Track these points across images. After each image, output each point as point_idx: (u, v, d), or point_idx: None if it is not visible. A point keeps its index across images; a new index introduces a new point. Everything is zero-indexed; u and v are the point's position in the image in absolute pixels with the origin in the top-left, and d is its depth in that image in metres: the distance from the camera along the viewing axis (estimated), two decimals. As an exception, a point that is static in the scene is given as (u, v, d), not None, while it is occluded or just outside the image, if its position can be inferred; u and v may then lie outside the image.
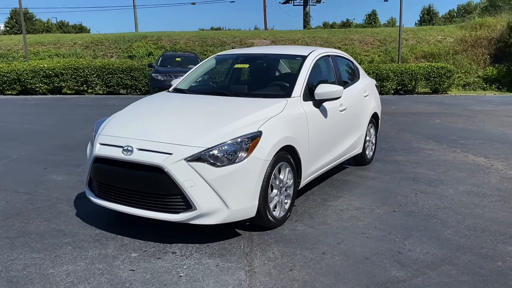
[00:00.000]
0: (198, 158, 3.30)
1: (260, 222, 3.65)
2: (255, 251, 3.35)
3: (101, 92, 18.30)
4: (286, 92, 4.26)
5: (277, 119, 3.76)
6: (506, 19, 29.42)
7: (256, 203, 3.47)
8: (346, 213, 4.18)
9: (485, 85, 24.48)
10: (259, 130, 3.53)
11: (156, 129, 3.61)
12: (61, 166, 5.91)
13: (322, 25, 49.67)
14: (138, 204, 3.45)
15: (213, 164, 3.30)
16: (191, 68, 14.71)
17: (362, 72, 6.09)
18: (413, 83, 19.49)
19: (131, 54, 26.09)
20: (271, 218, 3.67)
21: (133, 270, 3.05)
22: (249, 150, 3.40)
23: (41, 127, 9.33)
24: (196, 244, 3.48)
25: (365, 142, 5.79)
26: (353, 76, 5.76)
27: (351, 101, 5.18)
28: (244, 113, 3.76)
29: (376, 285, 2.87)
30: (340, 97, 4.39)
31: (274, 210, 3.74)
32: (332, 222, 3.95)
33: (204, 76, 5.18)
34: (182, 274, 3.00)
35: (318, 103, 4.39)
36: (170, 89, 4.92)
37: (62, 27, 55.50)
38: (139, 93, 18.53)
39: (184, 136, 3.45)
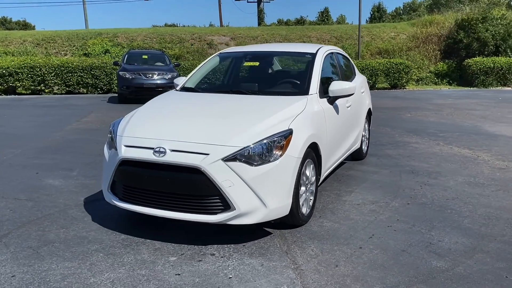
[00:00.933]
0: (234, 157, 3.26)
1: (291, 220, 3.66)
2: (293, 249, 3.37)
3: (59, 91, 17.53)
4: (303, 89, 4.28)
5: (302, 117, 3.79)
6: (453, 17, 30.84)
7: (290, 201, 3.49)
8: (364, 208, 4.28)
9: (437, 80, 25.55)
10: (289, 128, 3.54)
11: (186, 129, 3.54)
12: (53, 170, 5.64)
13: (277, 22, 50.04)
14: (172, 207, 3.37)
15: (250, 163, 3.28)
16: (159, 65, 14.66)
17: (356, 68, 6.22)
18: (374, 78, 20.12)
19: (87, 51, 25.15)
20: (301, 215, 3.70)
21: (179, 275, 2.98)
22: (283, 148, 3.41)
23: (13, 129, 8.84)
24: (231, 245, 3.44)
25: (362, 137, 5.93)
26: (351, 73, 5.87)
27: (353, 97, 5.27)
28: (271, 111, 3.75)
29: (423, 276, 2.96)
30: (353, 93, 4.47)
31: (302, 207, 3.76)
32: (355, 217, 4.03)
33: (210, 75, 5.11)
34: (231, 276, 2.96)
35: (332, 100, 4.45)
36: (177, 88, 4.82)
37: (5, 23, 52.75)
38: (100, 92, 17.96)
39: (218, 135, 3.40)
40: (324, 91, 4.42)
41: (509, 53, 26.43)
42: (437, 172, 5.58)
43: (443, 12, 38.04)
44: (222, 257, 3.25)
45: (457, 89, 20.98)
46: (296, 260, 3.19)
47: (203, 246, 3.42)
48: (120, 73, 13.53)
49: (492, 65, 21.43)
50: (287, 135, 3.47)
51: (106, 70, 17.74)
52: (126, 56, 14.92)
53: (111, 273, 2.99)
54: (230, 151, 3.27)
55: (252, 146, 3.31)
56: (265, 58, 5.06)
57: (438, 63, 27.34)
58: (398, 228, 3.78)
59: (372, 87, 20.35)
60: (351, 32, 31.85)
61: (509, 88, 21.45)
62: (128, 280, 2.90)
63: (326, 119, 4.24)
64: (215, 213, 3.30)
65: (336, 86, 4.35)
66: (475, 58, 22.54)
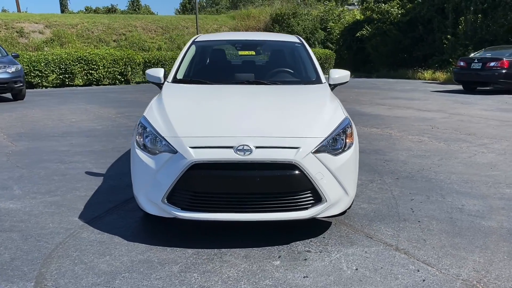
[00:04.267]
0: (320, 149, 3.18)
1: (349, 207, 3.71)
2: (371, 233, 3.45)
3: None
4: (315, 78, 4.33)
5: (340, 105, 3.86)
6: (268, 11, 33.56)
7: (356, 187, 3.56)
8: (371, 186, 4.58)
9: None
10: (346, 116, 3.59)
11: (259, 123, 3.26)
12: (-18, 191, 4.41)
13: (85, 10, 46.47)
14: (261, 208, 3.09)
15: (332, 153, 3.24)
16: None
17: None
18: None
19: None
20: None
21: (307, 277, 2.80)
22: (351, 136, 3.45)
23: None
24: (312, 239, 3.35)
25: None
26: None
27: None
28: (319, 100, 3.75)
29: (493, 234, 3.41)
30: (348, 81, 4.69)
31: (346, 193, 3.85)
32: (375, 196, 4.31)
33: (201, 65, 4.67)
34: (355, 267, 2.92)
35: (332, 88, 4.60)
36: (169, 81, 4.29)
37: None
38: None
39: (297, 128, 3.25)
40: None
41: (317, 45, 30.26)
42: (379, 149, 6.26)
43: (245, 5, 41.01)
44: (320, 252, 3.15)
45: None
46: (387, 241, 3.31)
47: (286, 245, 3.25)
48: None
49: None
50: (349, 123, 3.52)
51: None
52: None
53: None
54: (317, 143, 3.17)
55: (331, 136, 3.27)
56: (257, 47, 4.87)
57: (259, 54, 29.42)
58: (420, 200, 4.20)
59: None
60: (175, 23, 31.86)
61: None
62: (267, 294, 2.61)
63: (336, 107, 4.38)
64: (307, 208, 3.16)
65: (337, 74, 4.50)
66: (298, 49, 25.03)
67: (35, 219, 3.72)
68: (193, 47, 4.79)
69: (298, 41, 4.84)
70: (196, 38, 4.95)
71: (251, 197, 3.08)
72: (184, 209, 3.14)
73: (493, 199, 4.22)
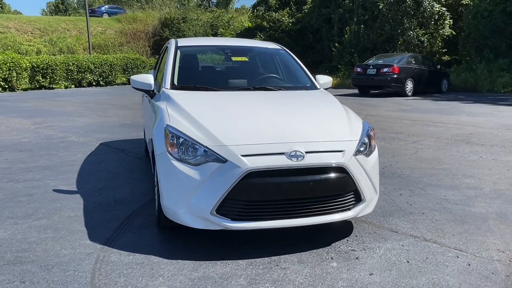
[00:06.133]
0: (355, 151, 3.33)
1: None
2: (395, 228, 3.68)
3: None
4: (310, 84, 4.45)
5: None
6: (156, 15, 32.82)
7: None
8: (357, 185, 4.85)
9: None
10: (362, 119, 3.79)
11: (303, 129, 3.32)
12: None
13: None
14: (311, 212, 3.13)
15: (365, 155, 3.42)
16: None
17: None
18: (114, 74, 19.63)
19: None
20: None
21: (372, 274, 2.92)
22: (373, 138, 3.65)
23: None
24: (346, 239, 3.45)
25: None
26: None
27: None
28: (336, 105, 3.88)
29: (488, 219, 3.87)
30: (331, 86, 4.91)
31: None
32: (368, 193, 4.58)
33: (195, 71, 4.44)
34: (406, 260, 3.11)
35: (318, 93, 4.77)
36: (167, 87, 4.04)
37: None
38: None
39: (334, 132, 3.37)
40: None
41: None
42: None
43: (127, 8, 39.73)
44: (364, 250, 3.28)
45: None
46: (412, 234, 3.56)
47: (329, 247, 3.32)
48: None
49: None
50: (370, 126, 3.72)
51: None
52: None
53: (323, 295, 2.65)
54: (355, 145, 3.31)
55: (363, 138, 3.44)
56: (247, 53, 4.79)
57: (150, 59, 28.74)
58: (408, 194, 4.57)
59: (111, 83, 19.80)
60: (55, 25, 29.66)
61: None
62: (351, 295, 2.67)
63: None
64: (350, 209, 3.28)
65: (322, 80, 4.66)
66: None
67: (41, 247, 3.25)
68: (179, 52, 4.57)
69: (279, 47, 4.93)
70: (177, 43, 4.71)
71: (303, 201, 3.10)
72: (235, 219, 3.04)
73: (463, 189, 4.77)
